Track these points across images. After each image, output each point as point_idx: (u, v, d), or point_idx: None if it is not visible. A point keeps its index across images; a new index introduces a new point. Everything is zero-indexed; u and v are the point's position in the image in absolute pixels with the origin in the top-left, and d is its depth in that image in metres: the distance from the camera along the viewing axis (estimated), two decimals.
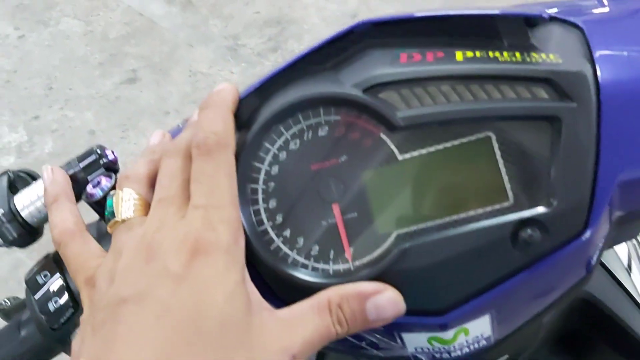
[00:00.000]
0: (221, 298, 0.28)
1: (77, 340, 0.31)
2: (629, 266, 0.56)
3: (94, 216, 0.39)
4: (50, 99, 1.96)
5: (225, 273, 0.29)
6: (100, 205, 0.35)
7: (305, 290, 0.31)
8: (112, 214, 0.33)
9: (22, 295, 0.46)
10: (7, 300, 0.46)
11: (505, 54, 0.31)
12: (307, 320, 0.29)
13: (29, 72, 2.05)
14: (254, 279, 0.31)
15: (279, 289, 0.32)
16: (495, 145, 0.30)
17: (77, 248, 0.33)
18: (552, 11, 0.33)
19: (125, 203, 0.33)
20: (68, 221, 0.34)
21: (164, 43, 2.11)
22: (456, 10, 0.32)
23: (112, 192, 0.34)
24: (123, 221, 0.32)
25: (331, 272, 0.31)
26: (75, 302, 0.35)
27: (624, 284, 0.52)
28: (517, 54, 0.31)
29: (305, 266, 0.31)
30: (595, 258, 0.32)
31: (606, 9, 0.36)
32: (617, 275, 0.53)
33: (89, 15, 2.23)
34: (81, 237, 0.34)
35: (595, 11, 0.36)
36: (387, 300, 0.30)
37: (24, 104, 1.95)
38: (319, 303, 0.30)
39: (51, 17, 2.23)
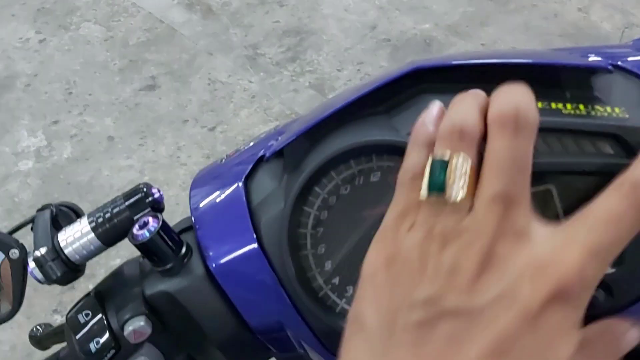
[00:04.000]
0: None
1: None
2: None
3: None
4: (69, 104, 1.97)
5: (570, 333, 0.23)
6: (146, 247, 0.34)
7: None
8: (438, 187, 0.25)
9: (52, 322, 0.46)
10: (39, 327, 0.46)
11: (568, 105, 0.30)
12: None
13: (49, 76, 2.06)
14: (304, 330, 0.30)
15: (327, 341, 0.32)
16: (557, 200, 0.29)
17: None
18: (596, 59, 0.33)
19: (458, 177, 0.25)
20: None
21: (183, 51, 2.11)
22: (514, 56, 0.32)
23: (438, 154, 0.26)
24: (445, 202, 0.25)
25: None
26: (116, 341, 0.34)
27: None
28: (581, 107, 0.30)
29: None
30: None
31: None
32: None
33: (109, 20, 2.24)
34: None
35: None
36: None
37: (43, 108, 1.96)
38: None
39: (72, 21, 2.25)
